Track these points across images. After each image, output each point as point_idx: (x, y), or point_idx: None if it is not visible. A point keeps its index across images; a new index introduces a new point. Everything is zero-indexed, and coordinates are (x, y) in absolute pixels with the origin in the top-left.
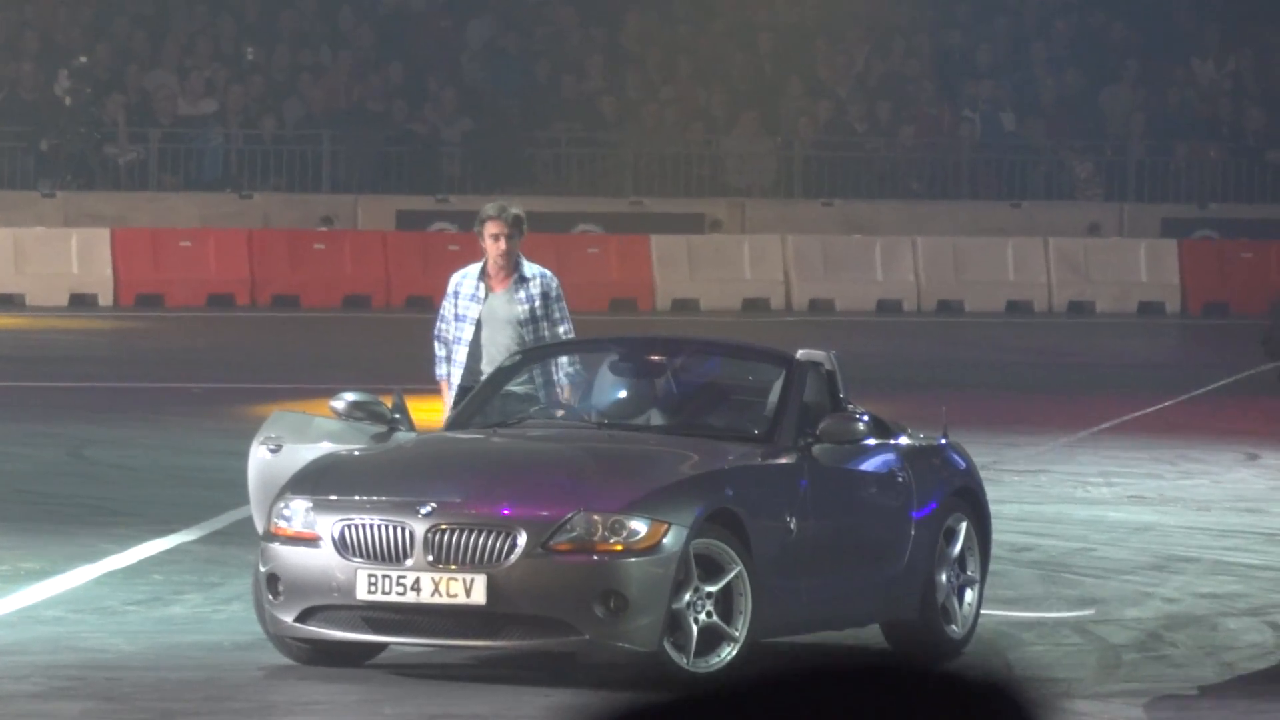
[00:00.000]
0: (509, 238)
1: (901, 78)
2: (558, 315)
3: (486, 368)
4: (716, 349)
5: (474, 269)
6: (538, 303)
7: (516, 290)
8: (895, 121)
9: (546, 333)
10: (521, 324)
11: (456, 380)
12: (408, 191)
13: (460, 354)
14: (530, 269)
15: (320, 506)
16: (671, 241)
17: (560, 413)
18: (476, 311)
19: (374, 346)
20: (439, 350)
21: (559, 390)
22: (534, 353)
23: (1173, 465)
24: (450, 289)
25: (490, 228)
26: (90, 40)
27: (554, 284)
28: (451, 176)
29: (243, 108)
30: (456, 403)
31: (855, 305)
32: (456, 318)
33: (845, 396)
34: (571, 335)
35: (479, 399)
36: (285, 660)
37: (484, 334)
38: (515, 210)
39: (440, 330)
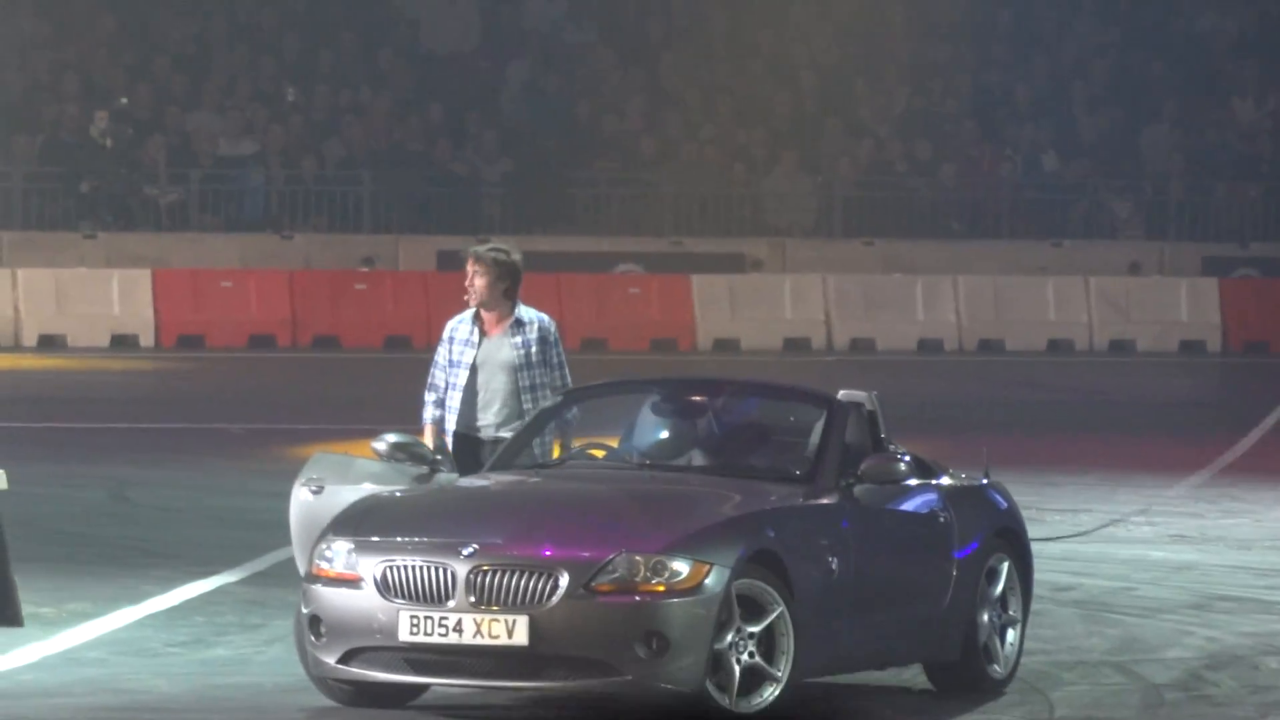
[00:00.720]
0: (484, 277)
1: (941, 117)
2: (555, 360)
3: (483, 413)
4: (757, 390)
5: (468, 314)
6: (534, 347)
7: (513, 334)
8: (935, 161)
9: (543, 378)
10: (518, 368)
11: (452, 426)
12: (448, 232)
13: (455, 399)
14: (527, 313)
15: (362, 548)
16: (712, 281)
17: (601, 454)
18: (471, 356)
19: (415, 387)
20: (428, 396)
21: (552, 437)
22: (575, 394)
23: (1213, 504)
24: (445, 335)
25: (469, 265)
26: (130, 81)
27: (551, 328)
28: (492, 216)
29: (283, 148)
30: (455, 450)
31: (896, 345)
32: (451, 363)
33: (886, 437)
34: (569, 380)
35: (520, 440)
36: (328, 702)
37: (479, 378)
38: (502, 253)
39: (434, 377)
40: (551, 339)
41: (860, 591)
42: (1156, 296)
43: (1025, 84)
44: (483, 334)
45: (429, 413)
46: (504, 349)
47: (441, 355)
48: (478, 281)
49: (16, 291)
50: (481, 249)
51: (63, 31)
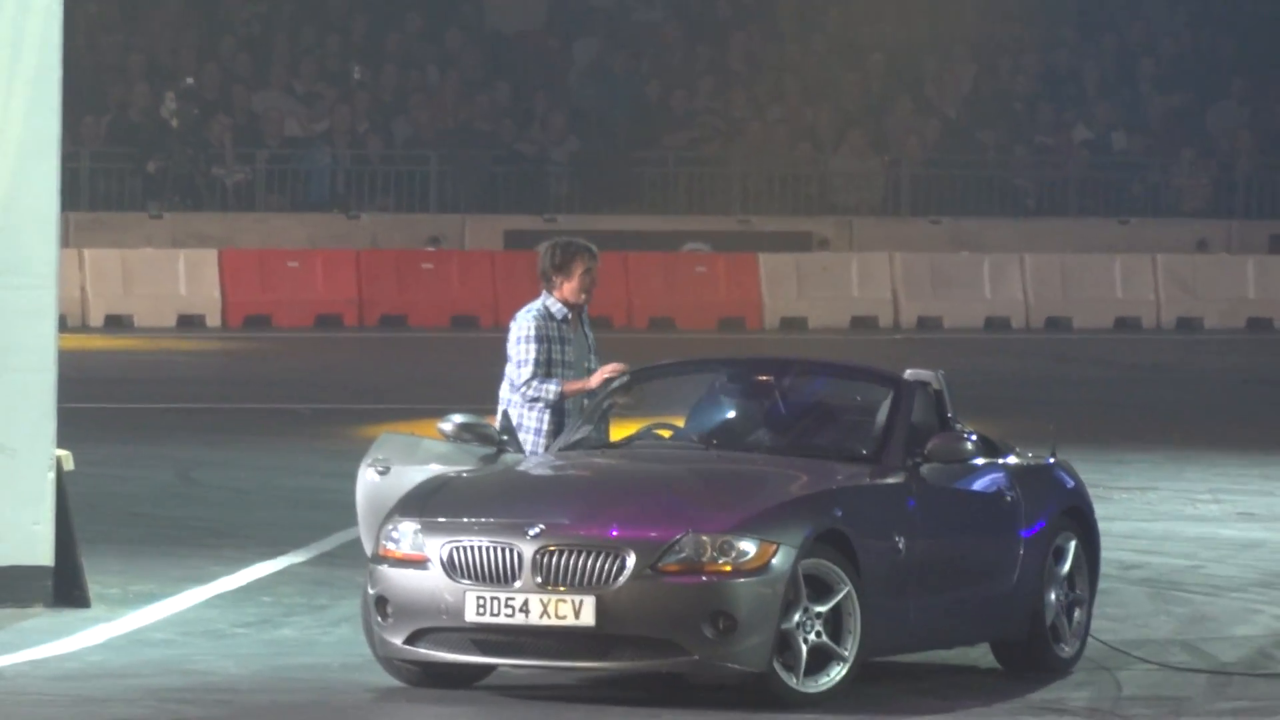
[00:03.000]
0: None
1: (1009, 96)
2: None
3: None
4: (824, 369)
5: (553, 310)
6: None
7: (581, 324)
8: (1003, 139)
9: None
10: (587, 356)
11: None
12: (515, 211)
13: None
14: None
15: (429, 529)
16: (780, 260)
17: (668, 434)
18: (571, 354)
19: (482, 367)
20: (538, 373)
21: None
22: (642, 373)
23: None
24: (534, 333)
25: (586, 264)
26: (197, 62)
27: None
28: (559, 196)
29: (349, 128)
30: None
31: (963, 323)
32: (551, 361)
33: (953, 416)
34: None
35: (586, 420)
36: (394, 682)
37: (574, 374)
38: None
39: (539, 366)
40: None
41: (927, 571)
42: (1224, 274)
43: (1093, 62)
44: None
45: (551, 385)
46: (582, 340)
47: (540, 353)
48: (594, 280)
49: (84, 272)
50: (583, 243)
51: (130, 12)
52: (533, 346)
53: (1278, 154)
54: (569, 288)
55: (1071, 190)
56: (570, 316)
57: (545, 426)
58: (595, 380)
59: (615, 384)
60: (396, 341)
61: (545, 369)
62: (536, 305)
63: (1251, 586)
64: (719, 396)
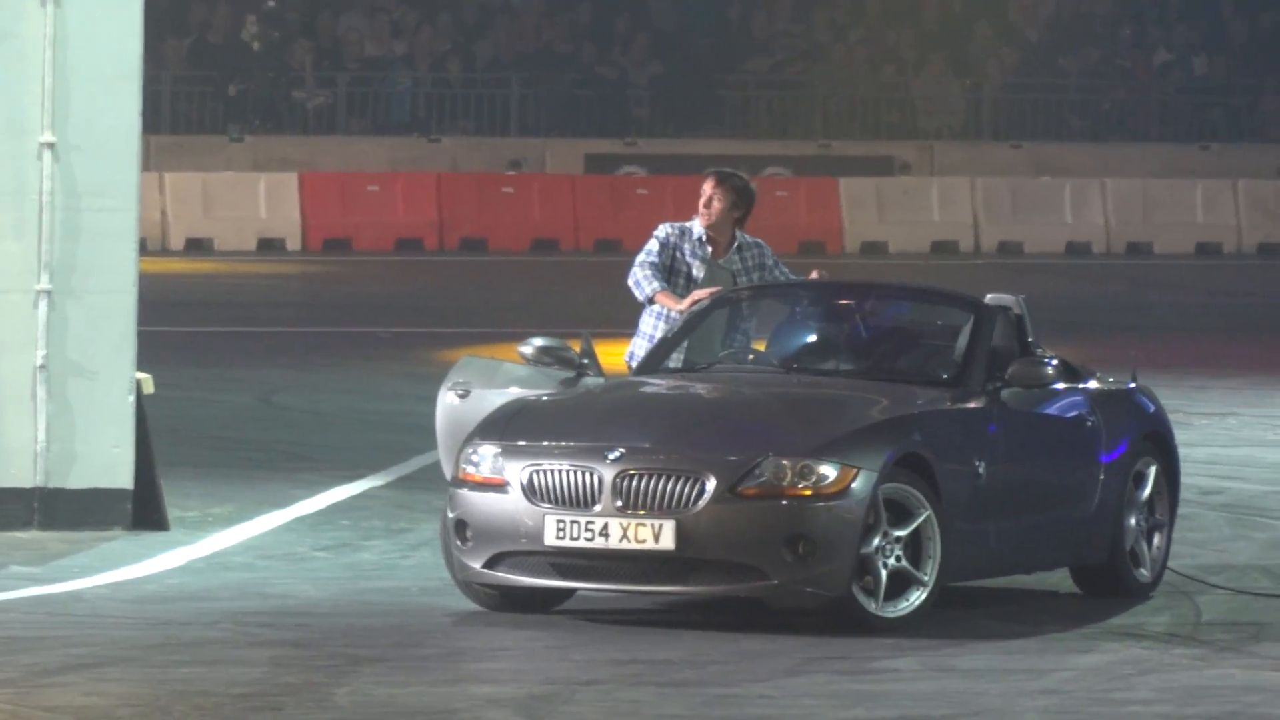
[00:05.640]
0: (722, 200)
1: (1091, 19)
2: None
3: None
4: (905, 293)
5: (695, 227)
6: (754, 274)
7: (736, 260)
8: (1085, 64)
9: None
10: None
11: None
12: (596, 135)
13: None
14: (743, 238)
15: (508, 452)
16: (860, 184)
17: (750, 357)
18: (699, 270)
19: (562, 291)
20: (645, 273)
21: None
22: (724, 297)
23: None
24: (663, 238)
25: (708, 186)
26: None
27: (768, 251)
28: (640, 119)
29: (431, 51)
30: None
31: (1044, 248)
32: (671, 269)
33: (1034, 340)
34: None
35: (669, 344)
36: (473, 606)
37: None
38: (741, 180)
39: (647, 268)
40: (770, 261)
41: (1007, 495)
42: None
43: None
44: (710, 254)
45: (653, 285)
46: (725, 274)
47: (658, 258)
48: (715, 204)
49: (164, 195)
50: (726, 170)
51: None
52: (655, 244)
53: None
54: (704, 215)
55: (1153, 115)
56: (706, 240)
57: (660, 336)
58: (686, 302)
59: (699, 307)
60: (477, 265)
61: (661, 270)
62: (685, 222)
63: None
64: (800, 320)
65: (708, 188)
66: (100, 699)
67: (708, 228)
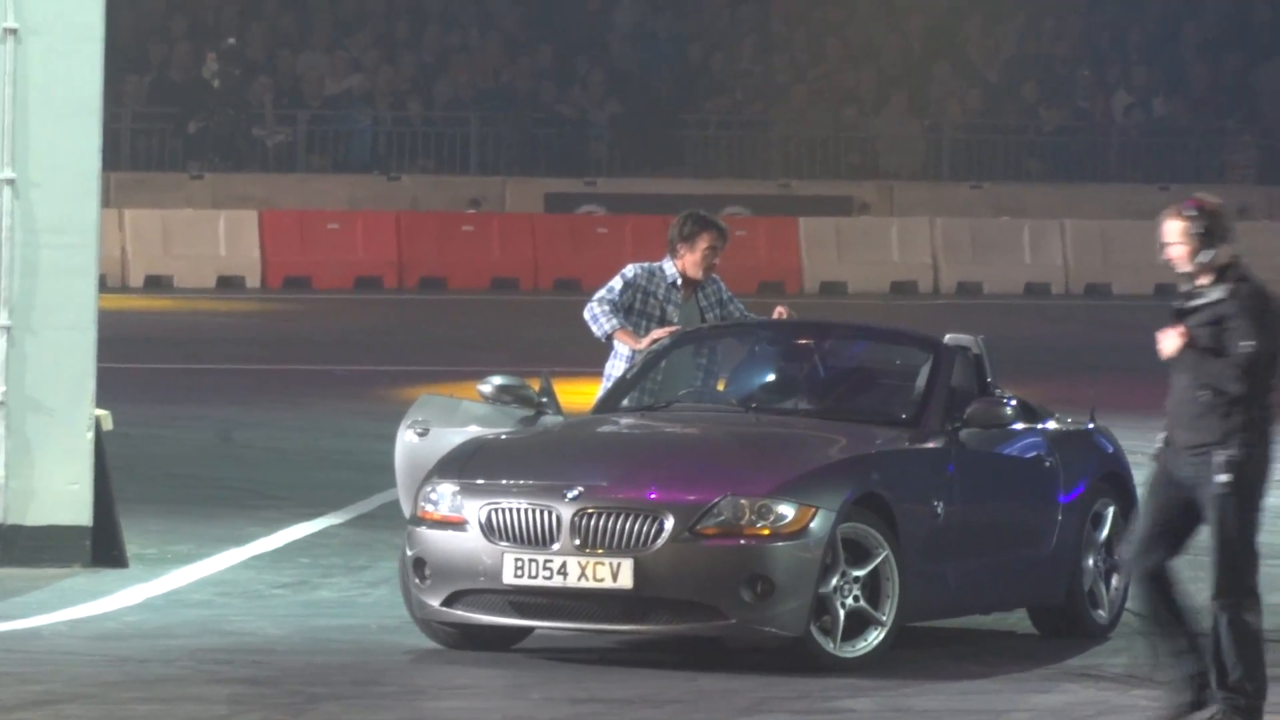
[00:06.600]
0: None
1: (1051, 59)
2: (738, 314)
3: None
4: (864, 333)
5: (666, 270)
6: (716, 311)
7: (700, 298)
8: (1044, 104)
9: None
10: None
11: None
12: (556, 174)
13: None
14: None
15: (467, 490)
16: (820, 224)
17: (710, 396)
18: (670, 314)
19: (521, 329)
20: (603, 309)
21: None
22: (684, 336)
23: None
24: (632, 279)
25: (711, 240)
26: (240, 22)
27: (723, 286)
28: (600, 159)
29: (391, 89)
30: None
31: (1003, 288)
32: (637, 312)
33: (993, 381)
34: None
35: (627, 383)
36: (431, 644)
37: None
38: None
39: (608, 305)
40: (726, 296)
41: (965, 536)
42: (1265, 242)
43: (1136, 26)
44: (680, 297)
45: (612, 322)
46: (695, 312)
47: (619, 297)
48: (716, 258)
49: (124, 232)
50: (715, 220)
51: None
52: (620, 282)
53: None
54: (690, 260)
55: (1112, 156)
56: (681, 284)
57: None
58: (646, 341)
59: (658, 346)
60: (436, 304)
61: (620, 309)
62: (653, 263)
63: None
64: (758, 359)
65: (712, 240)
66: None
67: (695, 278)
